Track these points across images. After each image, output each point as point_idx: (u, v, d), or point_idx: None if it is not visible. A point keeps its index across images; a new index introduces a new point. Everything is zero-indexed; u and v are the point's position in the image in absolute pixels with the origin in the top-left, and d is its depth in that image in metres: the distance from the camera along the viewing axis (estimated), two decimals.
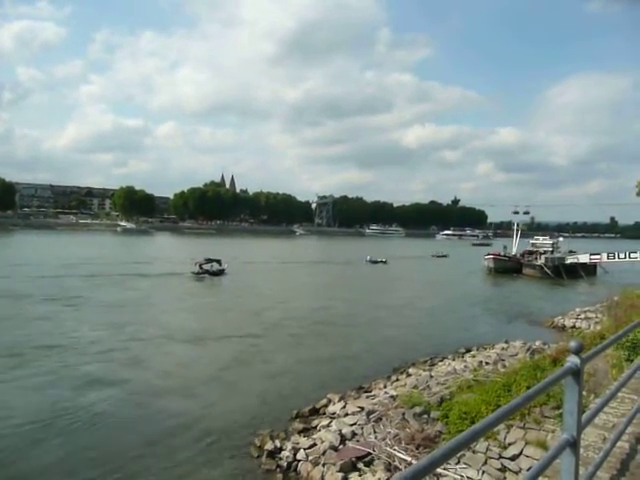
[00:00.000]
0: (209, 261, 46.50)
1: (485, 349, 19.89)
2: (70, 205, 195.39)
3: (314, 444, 10.71)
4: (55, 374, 16.28)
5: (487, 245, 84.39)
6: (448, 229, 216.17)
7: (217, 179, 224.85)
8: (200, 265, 45.40)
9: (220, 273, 46.45)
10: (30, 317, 24.52)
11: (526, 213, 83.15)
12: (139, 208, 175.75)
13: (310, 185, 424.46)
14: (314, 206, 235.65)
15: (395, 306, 33.19)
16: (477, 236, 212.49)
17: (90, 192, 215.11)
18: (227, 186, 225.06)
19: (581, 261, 57.02)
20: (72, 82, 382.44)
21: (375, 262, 69.97)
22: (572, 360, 2.87)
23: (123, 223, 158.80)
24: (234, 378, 16.83)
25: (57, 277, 39.27)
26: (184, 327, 24.11)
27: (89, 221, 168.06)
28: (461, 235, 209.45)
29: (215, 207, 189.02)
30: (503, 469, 8.42)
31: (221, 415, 13.48)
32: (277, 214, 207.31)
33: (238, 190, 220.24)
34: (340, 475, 9.28)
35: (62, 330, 22.11)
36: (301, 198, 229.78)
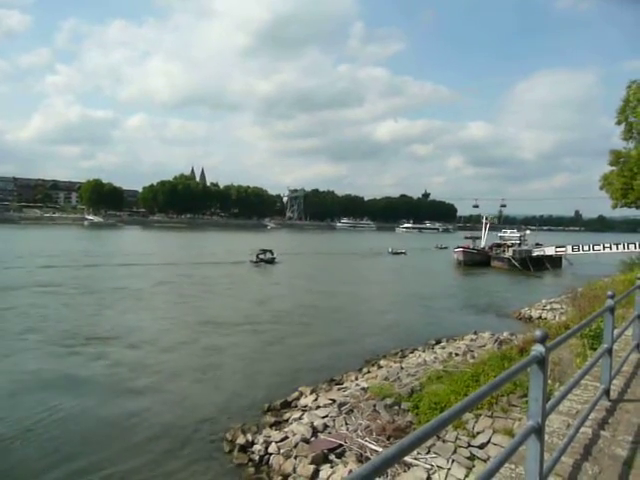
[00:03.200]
0: (264, 252, 55.02)
1: (455, 340, 20.20)
2: (35, 198, 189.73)
3: (286, 437, 10.72)
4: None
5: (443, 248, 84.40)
6: (409, 222, 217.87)
7: (188, 172, 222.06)
8: (257, 255, 54.27)
9: (272, 261, 54.80)
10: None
11: (503, 206, 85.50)
12: (107, 201, 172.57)
13: (282, 178, 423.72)
14: (285, 200, 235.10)
15: (366, 299, 33.42)
16: (437, 229, 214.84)
17: (56, 185, 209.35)
18: (197, 179, 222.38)
19: (547, 253, 58.36)
20: (38, 72, 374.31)
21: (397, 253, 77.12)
22: (537, 349, 2.94)
23: (90, 217, 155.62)
24: (204, 373, 16.70)
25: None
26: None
27: (55, 215, 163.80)
28: (421, 228, 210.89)
29: (185, 200, 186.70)
30: (472, 457, 8.59)
31: (191, 410, 13.36)
32: (248, 207, 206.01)
33: (209, 183, 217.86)
34: (312, 467, 9.32)
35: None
36: (273, 191, 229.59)
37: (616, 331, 6.18)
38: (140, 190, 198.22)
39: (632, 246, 51.64)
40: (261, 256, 54.44)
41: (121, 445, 11.17)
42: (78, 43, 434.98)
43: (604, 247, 54.75)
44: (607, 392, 5.57)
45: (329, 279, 45.88)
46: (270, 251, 55.81)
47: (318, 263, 62.99)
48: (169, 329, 22.86)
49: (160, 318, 25.29)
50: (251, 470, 10.03)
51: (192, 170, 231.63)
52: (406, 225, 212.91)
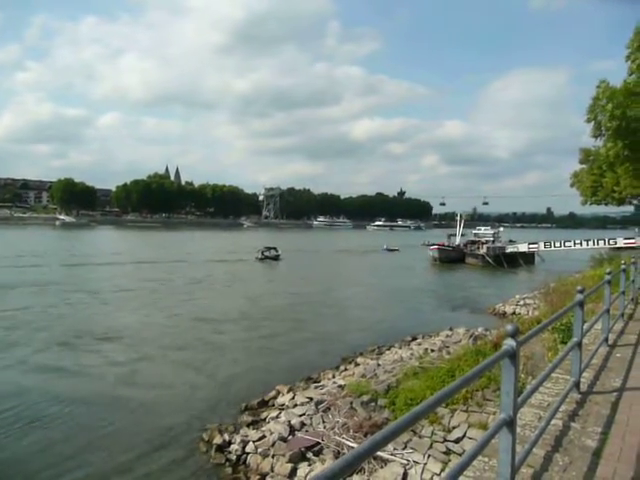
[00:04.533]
0: (268, 249, 58.78)
1: (430, 337, 20.37)
2: (4, 198, 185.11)
3: (263, 436, 10.70)
4: None
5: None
6: (381, 220, 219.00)
7: (162, 171, 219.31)
8: (262, 252, 58.01)
9: (277, 258, 58.35)
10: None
11: (485, 204, 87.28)
12: (79, 201, 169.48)
13: (258, 177, 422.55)
14: (262, 198, 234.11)
15: (347, 296, 33.55)
16: (409, 227, 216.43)
17: (26, 184, 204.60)
18: (172, 178, 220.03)
19: (520, 250, 59.30)
20: (7, 68, 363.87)
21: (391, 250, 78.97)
22: (508, 343, 2.99)
23: (62, 217, 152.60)
24: (180, 372, 16.55)
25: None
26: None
27: (25, 215, 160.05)
28: (392, 226, 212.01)
29: (160, 200, 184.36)
30: (448, 452, 8.69)
31: (166, 410, 13.20)
32: (224, 206, 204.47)
33: (184, 182, 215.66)
34: (289, 466, 9.32)
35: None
36: (249, 190, 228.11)
37: (586, 325, 6.33)
38: (113, 189, 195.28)
39: (601, 242, 52.87)
40: (266, 253, 58.44)
41: (92, 447, 10.97)
42: (49, 40, 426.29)
43: (575, 244, 55.88)
44: (577, 385, 5.70)
45: (323, 275, 47.12)
46: (274, 248, 59.42)
47: (317, 260, 65.12)
48: (149, 327, 22.60)
49: (145, 316, 25.22)
50: (228, 470, 9.97)
51: (167, 169, 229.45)
52: (377, 223, 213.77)
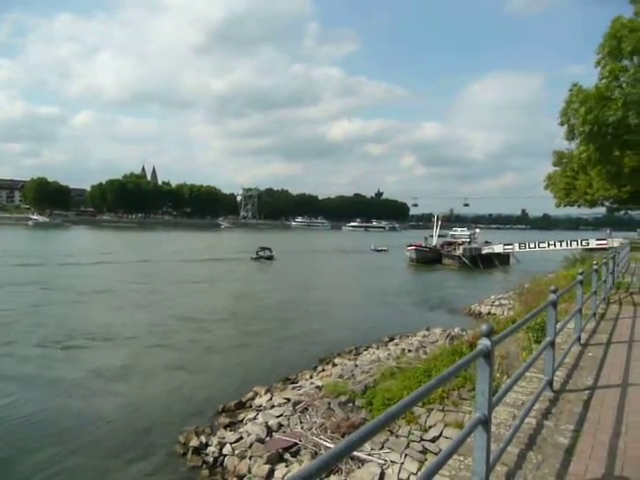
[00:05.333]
0: (263, 249, 61.57)
1: (408, 337, 20.51)
2: None
3: (240, 438, 10.64)
4: None
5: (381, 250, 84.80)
6: (356, 221, 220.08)
7: (139, 171, 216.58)
8: (257, 252, 61.04)
9: (271, 258, 61.09)
10: None
11: (466, 205, 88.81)
12: (53, 201, 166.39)
13: (236, 177, 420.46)
14: (239, 199, 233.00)
15: (319, 298, 33.54)
16: (384, 228, 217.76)
17: None
18: (149, 178, 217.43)
19: (496, 251, 60.12)
20: None
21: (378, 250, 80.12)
22: (483, 342, 3.02)
23: (35, 216, 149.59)
24: (156, 374, 16.37)
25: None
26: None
27: None
28: (367, 227, 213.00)
29: (136, 200, 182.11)
30: (424, 451, 8.75)
31: (142, 413, 13.04)
32: (201, 207, 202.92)
33: (160, 182, 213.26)
34: (267, 467, 9.28)
35: None
36: (226, 191, 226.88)
37: (559, 325, 6.44)
38: (88, 189, 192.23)
39: (574, 243, 53.90)
40: (260, 253, 61.18)
41: (64, 453, 10.74)
42: (22, 36, 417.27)
43: (549, 244, 56.89)
44: (550, 383, 5.80)
45: (304, 276, 47.72)
46: (269, 249, 62.08)
47: (307, 260, 66.85)
48: (124, 328, 22.23)
49: (121, 316, 24.88)
50: (205, 472, 9.89)
51: (143, 169, 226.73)
52: (352, 224, 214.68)
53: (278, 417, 11.37)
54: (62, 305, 27.66)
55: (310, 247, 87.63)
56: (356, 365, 15.31)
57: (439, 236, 67.65)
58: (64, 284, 34.99)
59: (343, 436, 9.74)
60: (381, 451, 8.87)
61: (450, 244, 63.81)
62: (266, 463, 9.38)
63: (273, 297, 33.08)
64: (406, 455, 8.68)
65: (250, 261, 58.47)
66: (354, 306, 30.72)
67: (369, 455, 8.76)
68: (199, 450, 10.65)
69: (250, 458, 9.78)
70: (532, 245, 58.13)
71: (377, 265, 60.61)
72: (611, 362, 7.26)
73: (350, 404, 11.26)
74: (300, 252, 77.24)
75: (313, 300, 32.61)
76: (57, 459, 10.45)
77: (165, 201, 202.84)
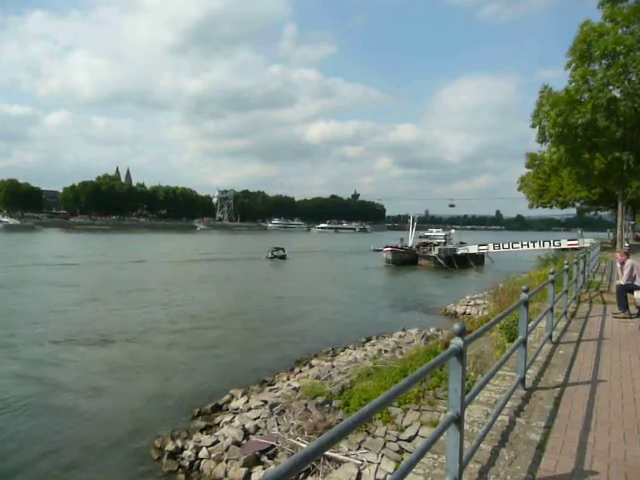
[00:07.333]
0: (277, 249, 65.99)
1: (384, 337, 20.62)
2: None
3: (217, 441, 10.55)
4: None
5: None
6: (326, 223, 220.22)
7: (113, 172, 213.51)
8: (272, 252, 65.25)
9: (284, 257, 65.46)
10: None
11: (452, 206, 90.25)
12: (24, 203, 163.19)
13: (211, 179, 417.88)
14: (215, 200, 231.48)
15: (294, 299, 33.50)
16: (354, 229, 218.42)
17: None
18: (123, 180, 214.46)
19: (471, 252, 60.80)
20: None
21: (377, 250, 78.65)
22: (456, 342, 3.06)
23: (5, 219, 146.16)
24: (131, 376, 16.12)
25: None
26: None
27: None
28: (337, 229, 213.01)
29: (110, 202, 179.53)
30: (401, 451, 8.82)
31: (116, 417, 12.82)
32: (177, 209, 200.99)
33: (135, 184, 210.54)
34: (244, 470, 9.23)
35: None
36: (202, 192, 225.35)
37: (531, 324, 6.56)
38: (61, 191, 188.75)
39: (547, 244, 54.87)
40: (275, 253, 65.46)
41: (36, 459, 10.49)
42: None
43: (522, 245, 57.76)
44: (523, 381, 5.90)
45: (286, 275, 47.02)
46: (282, 249, 66.53)
47: (314, 261, 69.14)
48: (100, 330, 21.85)
49: (97, 319, 24.13)
50: (181, 477, 9.77)
51: (117, 170, 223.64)
52: (322, 225, 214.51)
53: (255, 419, 11.32)
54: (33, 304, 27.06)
55: (294, 248, 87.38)
56: (333, 366, 15.32)
57: (419, 237, 68.10)
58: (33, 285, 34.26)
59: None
60: (358, 451, 8.91)
61: (426, 245, 64.31)
62: (243, 466, 9.33)
63: (250, 299, 32.92)
64: (383, 455, 8.73)
65: (246, 261, 59.68)
66: (330, 308, 30.70)
67: (346, 456, 8.78)
68: (175, 454, 10.53)
69: (227, 461, 9.71)
70: (506, 245, 58.97)
71: (353, 266, 60.82)
72: (581, 360, 7.43)
73: (327, 405, 11.27)
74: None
75: (289, 301, 32.53)
76: (20, 465, 10.18)
77: (140, 203, 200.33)
